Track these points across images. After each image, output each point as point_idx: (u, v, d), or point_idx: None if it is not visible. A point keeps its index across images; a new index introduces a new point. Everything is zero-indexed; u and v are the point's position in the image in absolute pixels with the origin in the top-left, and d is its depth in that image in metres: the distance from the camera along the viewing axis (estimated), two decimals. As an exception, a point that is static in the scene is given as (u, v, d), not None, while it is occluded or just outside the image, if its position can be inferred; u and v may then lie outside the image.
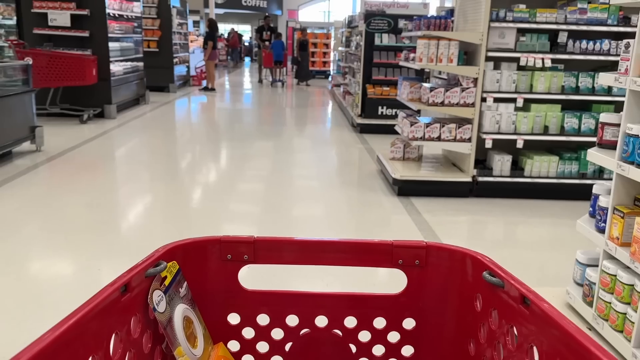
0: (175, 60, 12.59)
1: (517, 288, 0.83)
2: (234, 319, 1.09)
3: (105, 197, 4.32)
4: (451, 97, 4.37)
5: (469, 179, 4.52)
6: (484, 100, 4.35)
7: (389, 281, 2.79)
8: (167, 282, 0.94)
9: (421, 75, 6.91)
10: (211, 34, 12.57)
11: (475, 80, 4.34)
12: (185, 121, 8.74)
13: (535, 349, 0.77)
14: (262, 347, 1.10)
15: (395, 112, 7.51)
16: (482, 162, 4.66)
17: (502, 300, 0.88)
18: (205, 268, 1.07)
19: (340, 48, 12.65)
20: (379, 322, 1.09)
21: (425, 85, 4.58)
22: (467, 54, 4.59)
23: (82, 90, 7.74)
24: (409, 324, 1.09)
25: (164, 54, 11.96)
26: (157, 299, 0.90)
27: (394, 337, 1.09)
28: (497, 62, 4.43)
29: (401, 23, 7.39)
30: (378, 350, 1.10)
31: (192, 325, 0.98)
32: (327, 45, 18.66)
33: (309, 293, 1.09)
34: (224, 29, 33.31)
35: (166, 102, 10.69)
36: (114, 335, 0.81)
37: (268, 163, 5.74)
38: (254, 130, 7.86)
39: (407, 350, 1.10)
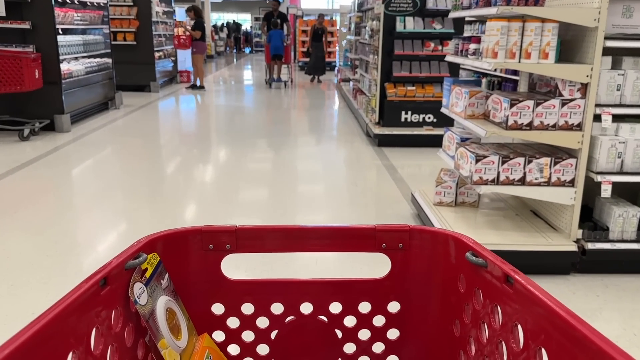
0: (158, 54, 10.97)
1: (500, 267, 0.83)
2: (218, 309, 1.08)
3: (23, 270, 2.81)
4: (544, 116, 2.74)
5: (572, 246, 2.80)
6: (597, 118, 2.72)
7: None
8: (148, 274, 0.93)
9: (462, 73, 5.94)
10: (200, 24, 11.00)
11: (585, 87, 2.70)
12: (160, 131, 6.99)
13: (519, 327, 0.78)
14: (248, 336, 1.09)
15: (423, 118, 6.05)
16: (587, 213, 2.98)
17: (486, 280, 0.88)
18: (187, 259, 1.06)
19: (348, 37, 10.87)
20: (364, 307, 1.09)
21: (498, 96, 2.90)
22: (564, 45, 2.95)
23: (27, 97, 6.16)
24: (393, 307, 1.09)
25: (143, 48, 10.40)
26: (138, 291, 0.88)
27: (379, 321, 1.09)
28: (616, 57, 2.79)
29: (430, 1, 5.92)
30: (364, 334, 1.10)
31: (176, 317, 0.97)
32: (331, 34, 16.97)
33: (294, 280, 1.08)
34: (217, 18, 32.64)
35: (144, 104, 9.01)
36: (94, 329, 0.79)
37: (255, 207, 3.89)
38: (241, 145, 6.00)
39: (393, 334, 1.10)
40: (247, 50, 29.71)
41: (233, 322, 1.09)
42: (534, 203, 3.34)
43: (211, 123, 7.68)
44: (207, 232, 1.05)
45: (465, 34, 4.74)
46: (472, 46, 3.17)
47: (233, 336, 1.09)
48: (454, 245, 1.01)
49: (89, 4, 7.60)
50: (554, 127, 2.77)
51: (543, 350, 0.71)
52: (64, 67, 6.54)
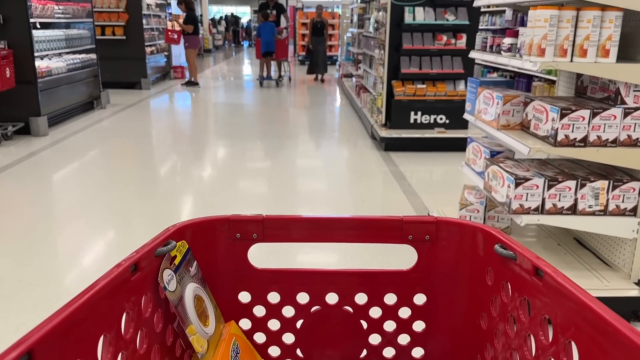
0: (151, 49, 10.47)
1: (530, 260, 0.82)
2: (244, 297, 1.09)
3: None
4: (602, 129, 2.21)
5: (633, 290, 2.34)
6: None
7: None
8: (177, 262, 0.94)
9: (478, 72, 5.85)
10: (192, 17, 10.32)
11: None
12: (147, 133, 6.49)
13: (549, 320, 0.76)
14: (274, 324, 1.10)
15: (435, 120, 5.55)
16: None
17: (515, 273, 0.87)
18: (215, 247, 1.07)
19: (351, 29, 10.21)
20: (390, 298, 1.08)
21: (543, 104, 2.35)
22: (621, 39, 2.36)
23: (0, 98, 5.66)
24: (419, 299, 1.08)
25: (133, 43, 9.78)
26: (168, 278, 0.90)
27: (405, 312, 1.09)
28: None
29: (444, -11, 5.39)
30: (389, 326, 1.09)
31: (203, 304, 0.98)
32: (332, 27, 16.46)
33: (319, 270, 1.09)
34: (217, 11, 32.55)
35: (132, 103, 8.45)
36: (125, 314, 0.81)
37: None
38: (232, 150, 5.54)
39: (419, 326, 1.10)
40: (245, 43, 29.65)
41: (259, 311, 1.10)
42: (580, 230, 2.82)
43: (202, 124, 7.08)
44: (234, 220, 1.06)
45: (481, 26, 4.95)
46: (507, 40, 2.64)
47: (259, 324, 1.10)
48: (482, 238, 1.00)
49: None
50: (614, 142, 2.20)
51: (573, 343, 0.70)
52: (41, 64, 6.06)
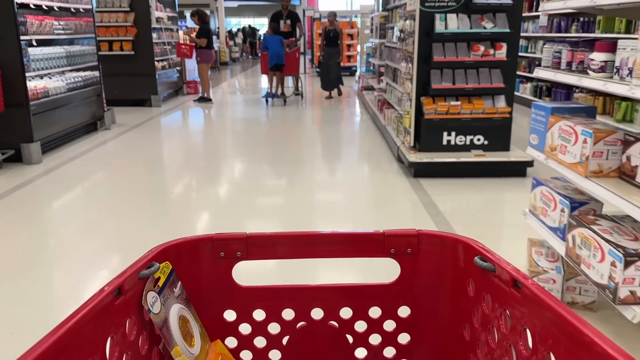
0: (162, 63, 9.99)
1: (508, 272, 0.84)
2: (230, 315, 1.10)
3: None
4: None
5: None
6: None
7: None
8: (160, 283, 0.94)
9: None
10: (205, 30, 9.77)
11: None
12: (152, 157, 5.87)
13: (528, 331, 0.78)
14: (260, 342, 1.11)
15: (471, 141, 4.84)
16: None
17: (494, 284, 0.89)
18: (199, 267, 1.07)
19: (371, 40, 9.44)
20: (374, 312, 1.10)
21: None
22: None
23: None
24: (404, 312, 1.10)
25: (142, 58, 9.28)
26: (152, 300, 0.90)
27: (389, 325, 1.10)
28: None
29: (482, -6, 4.66)
30: (374, 339, 1.11)
31: (188, 324, 0.99)
32: (351, 37, 15.30)
33: (304, 286, 1.10)
34: (236, 23, 32.44)
35: (140, 123, 7.89)
36: (109, 338, 0.81)
37: (258, 276, 2.60)
38: (243, 177, 5.00)
39: (404, 338, 1.11)
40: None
41: (245, 329, 1.10)
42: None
43: (209, 147, 6.45)
44: (217, 239, 1.07)
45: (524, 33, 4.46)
46: (598, 57, 2.03)
47: (245, 342, 1.11)
48: (462, 250, 1.01)
49: (72, 10, 6.64)
50: None
51: (551, 354, 0.72)
52: (38, 84, 5.63)
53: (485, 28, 4.70)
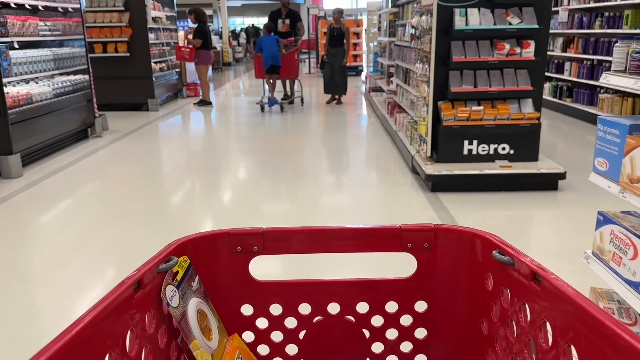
0: (160, 65, 9.53)
1: (528, 265, 0.83)
2: (247, 310, 1.10)
3: None
4: None
5: None
6: None
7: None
8: (179, 277, 0.95)
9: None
10: (201, 29, 9.23)
11: None
12: (144, 168, 5.35)
13: (548, 324, 0.78)
14: (277, 336, 1.11)
15: (496, 150, 4.37)
16: None
17: (513, 278, 0.88)
18: (216, 261, 1.08)
19: (379, 38, 8.83)
20: (391, 306, 1.09)
21: None
22: None
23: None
24: (420, 306, 1.09)
25: (138, 60, 8.79)
26: (170, 294, 0.90)
27: (406, 320, 1.10)
28: None
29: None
30: (391, 334, 1.10)
31: (206, 318, 0.99)
32: (357, 35, 14.78)
33: (320, 281, 1.10)
34: (241, 22, 32.33)
35: (135, 129, 7.40)
36: (129, 331, 0.82)
37: None
38: (245, 187, 4.65)
39: (420, 333, 1.10)
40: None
41: (262, 323, 1.11)
42: None
43: (207, 156, 5.93)
44: (234, 234, 1.07)
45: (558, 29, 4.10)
46: None
47: (262, 336, 1.11)
48: (480, 244, 1.01)
49: (60, 9, 6.19)
50: None
51: (572, 347, 0.71)
52: (20, 90, 5.22)
53: (510, 24, 4.20)
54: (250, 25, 29.10)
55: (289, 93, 9.61)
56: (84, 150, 6.09)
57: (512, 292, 0.89)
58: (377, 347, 1.11)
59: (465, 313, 1.05)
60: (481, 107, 4.31)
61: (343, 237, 1.09)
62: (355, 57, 15.21)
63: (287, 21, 9.29)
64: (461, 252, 1.05)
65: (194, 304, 0.96)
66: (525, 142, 4.37)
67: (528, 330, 0.83)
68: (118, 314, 0.79)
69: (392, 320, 1.10)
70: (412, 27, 5.27)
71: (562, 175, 4.25)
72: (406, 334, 1.10)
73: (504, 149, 4.39)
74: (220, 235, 1.07)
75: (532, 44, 4.21)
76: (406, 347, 1.11)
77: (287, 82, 9.61)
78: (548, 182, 4.31)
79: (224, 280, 1.09)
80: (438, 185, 4.31)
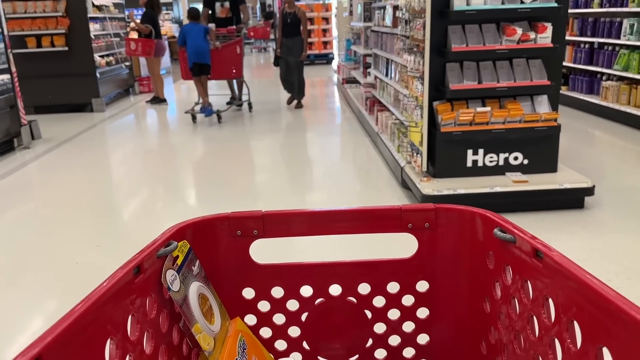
0: (107, 59, 8.49)
1: (529, 242, 0.82)
2: (248, 293, 1.10)
3: None
4: None
5: None
6: None
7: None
8: (179, 262, 0.95)
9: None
10: (149, 15, 8.04)
11: None
12: (77, 191, 4.39)
13: (550, 300, 0.77)
14: (279, 319, 1.11)
15: (506, 160, 3.64)
16: None
17: (515, 256, 0.87)
18: (216, 245, 1.08)
19: (352, 23, 7.72)
20: (393, 287, 1.09)
21: None
22: None
23: None
24: (422, 286, 1.09)
25: (78, 54, 7.72)
26: (171, 278, 0.90)
27: (408, 300, 1.10)
28: None
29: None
30: (393, 314, 1.10)
31: (208, 302, 0.99)
32: (326, 20, 13.82)
33: (321, 263, 1.09)
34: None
35: (73, 135, 6.35)
36: (130, 316, 0.82)
37: None
38: (198, 211, 3.72)
39: (423, 312, 1.10)
40: None
41: (264, 306, 1.11)
42: None
43: (153, 170, 4.99)
44: (234, 218, 1.07)
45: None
46: None
47: (264, 319, 1.11)
48: (481, 222, 1.00)
49: None
50: None
51: (575, 322, 0.71)
52: None
53: (522, 2, 3.42)
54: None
55: (237, 95, 7.82)
56: (8, 166, 5.12)
57: (513, 270, 0.89)
58: (379, 328, 1.11)
59: (467, 292, 1.05)
60: (487, 108, 3.54)
61: (343, 219, 1.09)
62: (326, 43, 14.20)
63: (227, 4, 7.55)
64: (462, 231, 1.04)
65: (195, 288, 0.95)
66: (541, 149, 3.63)
67: (530, 307, 0.83)
68: (118, 299, 0.78)
69: (393, 301, 1.09)
70: (396, 8, 4.52)
71: (589, 191, 3.48)
72: (408, 314, 1.10)
73: (516, 158, 3.64)
74: (220, 219, 1.07)
75: (549, 27, 3.45)
76: (408, 327, 1.12)
77: (239, 83, 7.85)
78: (573, 200, 3.54)
79: (225, 264, 1.08)
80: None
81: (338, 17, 10.88)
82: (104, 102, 8.18)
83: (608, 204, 3.59)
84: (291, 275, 1.09)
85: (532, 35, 3.46)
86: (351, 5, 8.06)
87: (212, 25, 7.22)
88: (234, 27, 7.38)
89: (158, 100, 8.55)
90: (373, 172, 4.61)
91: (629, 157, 4.82)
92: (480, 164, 3.64)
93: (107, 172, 5.05)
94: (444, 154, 3.63)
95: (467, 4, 3.44)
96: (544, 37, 3.47)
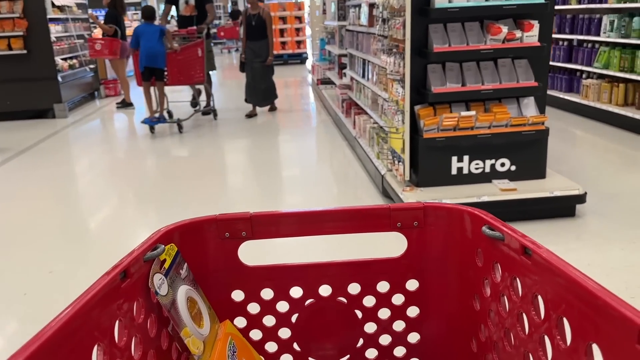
0: (71, 61, 8.09)
1: (518, 239, 0.82)
2: (238, 295, 1.09)
3: None
4: None
5: None
6: None
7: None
8: (166, 265, 0.94)
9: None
10: (112, 15, 7.70)
11: None
12: (33, 209, 4.02)
13: (540, 297, 0.77)
14: (269, 320, 1.10)
15: (493, 167, 3.50)
16: None
17: (503, 253, 0.88)
18: (204, 248, 1.07)
19: (326, 22, 7.50)
20: (383, 286, 1.09)
21: None
22: None
23: None
24: (412, 285, 1.09)
25: (38, 58, 7.38)
26: (158, 282, 0.89)
27: (398, 299, 1.09)
28: None
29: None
30: (384, 313, 1.10)
31: (197, 306, 0.98)
32: (299, 19, 13.75)
33: (311, 264, 1.09)
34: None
35: (31, 145, 5.89)
36: (117, 322, 0.80)
37: None
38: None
39: (413, 311, 1.10)
40: None
41: (253, 308, 1.10)
42: None
43: (119, 181, 4.69)
44: (222, 220, 1.06)
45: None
46: None
47: (254, 321, 1.10)
48: (469, 220, 1.00)
49: None
50: None
51: (565, 319, 0.71)
52: None
53: None
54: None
55: (200, 103, 7.17)
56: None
57: (502, 267, 0.89)
58: (370, 327, 1.11)
59: (457, 290, 1.05)
60: (472, 112, 3.36)
61: (333, 219, 1.08)
62: (299, 43, 13.95)
63: (192, 1, 6.89)
64: (451, 229, 1.04)
65: (183, 292, 0.94)
66: (529, 154, 3.50)
67: (520, 304, 0.83)
68: (104, 304, 0.77)
69: (384, 300, 1.09)
70: (372, 6, 4.28)
71: (581, 199, 3.34)
72: (398, 313, 1.10)
73: (503, 165, 3.50)
74: (208, 221, 1.06)
75: (536, 25, 3.29)
76: (399, 326, 1.11)
77: (199, 89, 7.23)
78: (564, 208, 3.40)
79: (213, 267, 1.07)
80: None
81: (311, 16, 10.46)
82: (66, 107, 7.78)
83: (600, 211, 3.45)
84: (281, 276, 1.09)
85: (518, 33, 3.32)
86: (324, 4, 7.75)
87: (170, 26, 6.76)
88: (195, 27, 6.81)
89: (125, 104, 8.21)
90: (351, 180, 4.41)
91: (614, 159, 4.75)
92: (465, 171, 3.49)
93: (67, 185, 4.68)
94: (427, 161, 3.46)
95: (449, 1, 3.26)
96: (531, 36, 3.33)
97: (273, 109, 7.56)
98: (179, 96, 7.68)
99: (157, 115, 6.42)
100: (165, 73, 6.39)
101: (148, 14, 6.43)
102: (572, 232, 3.20)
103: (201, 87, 7.31)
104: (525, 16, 3.38)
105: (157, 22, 6.46)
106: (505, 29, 3.28)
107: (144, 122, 6.43)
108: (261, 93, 7.22)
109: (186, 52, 6.52)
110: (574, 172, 4.18)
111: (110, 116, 7.67)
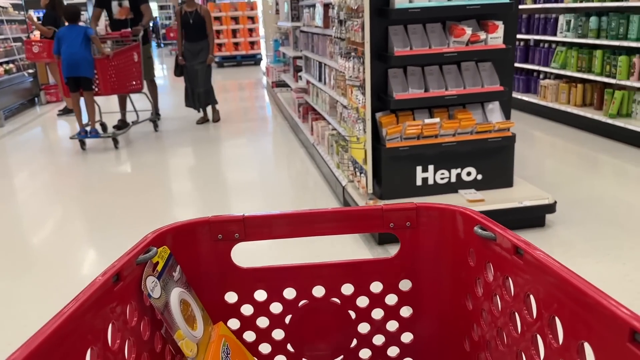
0: (7, 66, 7.63)
1: (509, 239, 0.83)
2: (231, 297, 1.09)
3: None
4: None
5: None
6: None
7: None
8: (159, 268, 0.93)
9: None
10: (51, 16, 7.09)
11: None
12: None
13: (532, 297, 0.78)
14: (262, 322, 1.10)
15: (459, 176, 3.36)
16: None
17: (495, 253, 0.88)
18: (197, 250, 1.06)
19: (280, 23, 7.13)
20: (376, 287, 1.09)
21: None
22: None
23: None
24: (405, 285, 1.10)
25: None
26: (151, 285, 0.89)
27: (391, 299, 1.10)
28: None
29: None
30: (377, 313, 1.10)
31: (190, 308, 0.98)
32: (252, 19, 13.28)
33: (304, 265, 1.09)
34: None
35: None
36: (110, 325, 0.80)
37: None
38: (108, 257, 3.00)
39: (406, 311, 1.11)
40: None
41: (247, 310, 1.10)
42: None
43: (56, 198, 4.31)
44: (215, 222, 1.06)
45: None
46: None
47: (248, 323, 1.10)
48: (461, 220, 1.01)
49: None
50: None
51: (557, 318, 0.71)
52: None
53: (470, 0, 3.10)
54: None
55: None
56: None
57: (495, 267, 0.89)
58: (364, 328, 1.11)
59: (450, 289, 1.06)
60: (436, 120, 3.19)
61: (325, 220, 1.08)
62: (253, 44, 13.46)
63: (126, 3, 6.15)
64: (443, 230, 1.05)
65: (176, 294, 0.94)
66: (496, 162, 3.37)
67: (512, 303, 0.83)
68: (97, 307, 0.77)
69: (377, 300, 1.10)
70: (327, 6, 4.04)
71: (551, 208, 3.23)
72: (392, 313, 1.11)
73: (469, 174, 3.36)
74: (200, 223, 1.06)
75: (501, 26, 3.15)
76: (392, 326, 1.12)
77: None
78: (533, 218, 3.28)
79: (206, 269, 1.07)
80: (387, 237, 3.07)
81: (264, 16, 9.98)
82: (2, 115, 7.21)
83: (570, 219, 3.33)
84: (274, 278, 1.09)
85: (482, 35, 3.14)
86: (277, 4, 7.36)
87: (99, 29, 6.18)
88: (129, 29, 6.07)
89: (67, 110, 7.53)
90: (311, 191, 4.12)
91: (576, 161, 4.63)
92: (430, 181, 3.32)
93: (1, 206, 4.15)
94: (391, 172, 3.26)
95: (410, 1, 3.06)
96: (495, 38, 3.16)
97: (217, 117, 6.97)
98: (115, 105, 6.77)
99: (87, 128, 5.68)
100: (97, 81, 5.61)
101: (70, 15, 5.53)
102: (544, 243, 3.05)
103: (144, 93, 6.49)
104: (489, 16, 3.23)
105: (81, 24, 5.69)
106: (469, 31, 3.12)
107: (73, 137, 5.71)
108: (202, 96, 6.71)
109: (120, 57, 5.76)
110: (538, 177, 4.08)
111: (52, 124, 7.10)
